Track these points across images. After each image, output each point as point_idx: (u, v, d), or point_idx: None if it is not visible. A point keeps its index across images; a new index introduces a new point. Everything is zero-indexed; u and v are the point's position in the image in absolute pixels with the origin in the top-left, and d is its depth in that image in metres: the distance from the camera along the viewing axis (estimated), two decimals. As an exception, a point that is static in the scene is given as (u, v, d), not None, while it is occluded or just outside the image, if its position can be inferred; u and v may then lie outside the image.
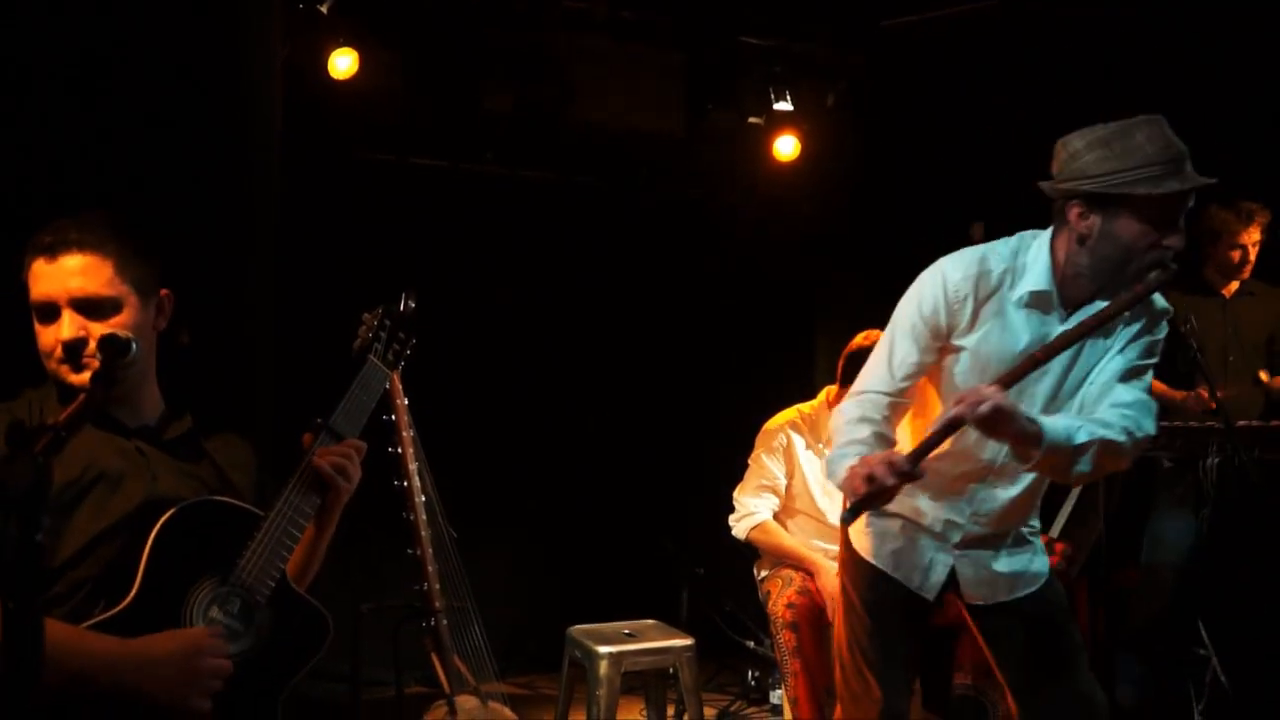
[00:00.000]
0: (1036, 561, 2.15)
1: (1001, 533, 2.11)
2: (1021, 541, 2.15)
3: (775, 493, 3.47)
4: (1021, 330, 1.92)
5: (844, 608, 2.26)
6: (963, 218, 4.36)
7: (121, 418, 1.72)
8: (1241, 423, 3.14)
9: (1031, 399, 1.95)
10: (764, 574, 3.48)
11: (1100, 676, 3.42)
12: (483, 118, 4.55)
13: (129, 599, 1.52)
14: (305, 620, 1.70)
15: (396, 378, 2.36)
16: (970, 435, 1.93)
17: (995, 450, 1.98)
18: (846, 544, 2.25)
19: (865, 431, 1.92)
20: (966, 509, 2.07)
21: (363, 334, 1.94)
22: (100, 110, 3.04)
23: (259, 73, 3.46)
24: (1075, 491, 3.55)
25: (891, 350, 2.01)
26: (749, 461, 3.54)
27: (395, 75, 4.36)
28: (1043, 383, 1.94)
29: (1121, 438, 1.80)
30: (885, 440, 1.97)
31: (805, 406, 3.57)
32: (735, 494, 3.52)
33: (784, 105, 4.72)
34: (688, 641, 3.27)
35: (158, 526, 1.56)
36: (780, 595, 3.24)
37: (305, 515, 1.69)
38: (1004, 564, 2.10)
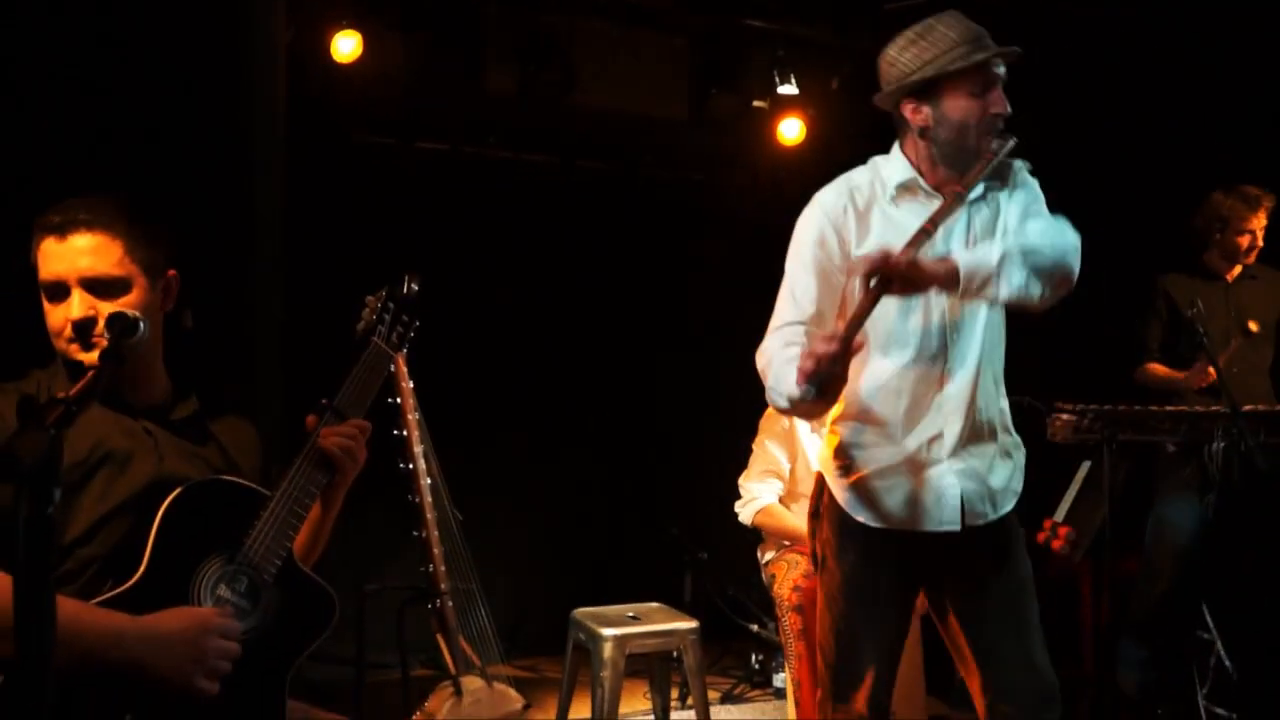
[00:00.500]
0: (1017, 477, 2.15)
1: (985, 433, 2.09)
2: (1009, 454, 2.14)
3: (779, 477, 3.47)
4: (909, 222, 1.98)
5: (827, 590, 2.18)
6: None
7: (129, 398, 1.72)
8: (1248, 407, 3.13)
9: (938, 302, 2.03)
10: (769, 557, 3.48)
11: (1104, 661, 3.45)
12: (486, 101, 4.53)
13: (137, 576, 1.53)
14: (312, 599, 1.70)
15: (402, 361, 2.37)
16: (910, 331, 2.02)
17: (940, 337, 2.03)
18: (835, 517, 2.16)
19: (794, 351, 1.92)
20: (937, 416, 2.06)
21: (366, 316, 1.94)
22: (105, 93, 3.04)
23: (263, 55, 3.45)
24: (1080, 476, 3.55)
25: (792, 284, 2.09)
26: (753, 447, 3.55)
27: (398, 58, 4.34)
28: None
29: (1039, 241, 1.87)
30: None
31: (809, 390, 3.57)
32: (740, 480, 3.53)
33: (788, 89, 4.70)
34: (692, 624, 3.28)
35: (165, 505, 1.57)
36: (786, 578, 3.24)
37: (311, 495, 1.69)
38: (997, 475, 2.10)
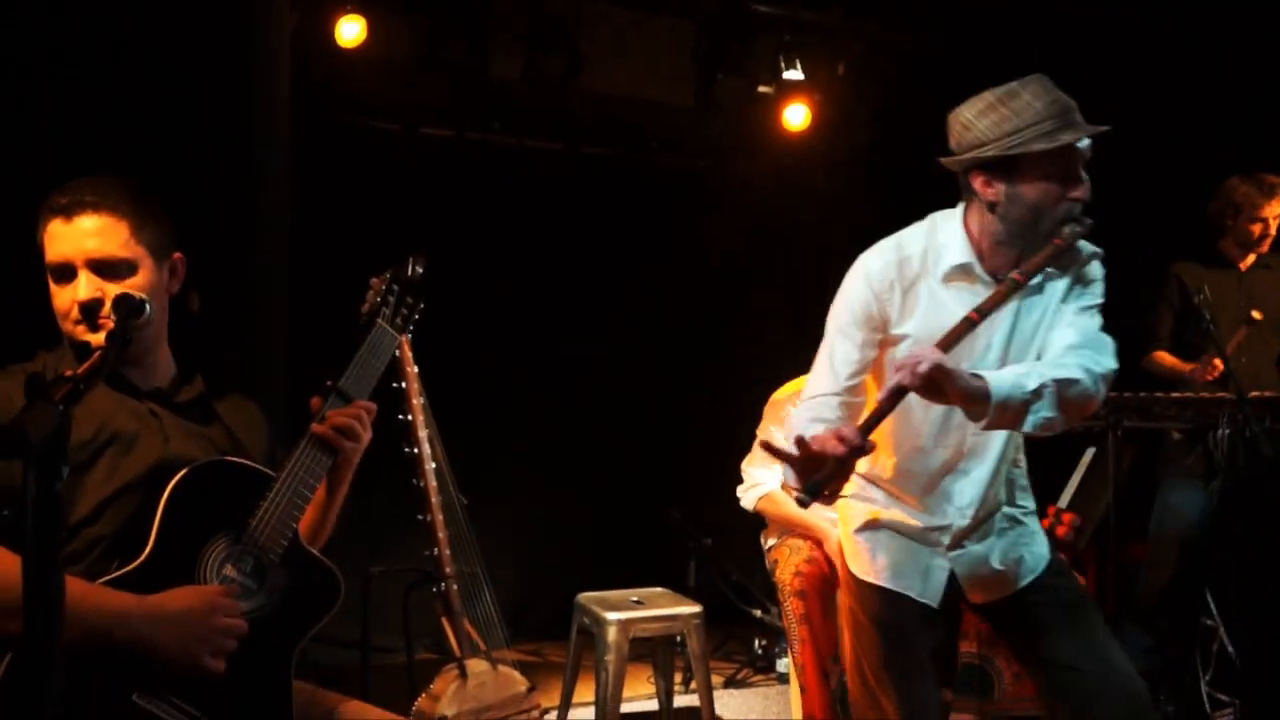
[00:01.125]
0: (1035, 545, 2.06)
1: (991, 522, 2.04)
2: (1013, 523, 2.06)
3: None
4: (954, 306, 1.88)
5: (853, 628, 2.17)
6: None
7: (134, 379, 1.73)
8: (1253, 393, 3.12)
9: (982, 369, 1.92)
10: (771, 543, 3.49)
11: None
12: (491, 87, 4.52)
13: (143, 556, 1.53)
14: (318, 579, 1.71)
15: (407, 346, 2.37)
16: (932, 425, 1.95)
17: (959, 435, 1.96)
18: (849, 550, 2.17)
19: (820, 429, 1.81)
20: (948, 506, 2.01)
21: (370, 298, 1.94)
22: (108, 78, 3.04)
23: (266, 40, 3.44)
24: (1084, 462, 3.55)
25: (831, 352, 1.98)
26: (756, 433, 3.55)
27: (403, 43, 4.33)
28: (988, 357, 1.91)
29: (1078, 374, 1.75)
30: None
31: (813, 377, 3.57)
32: (743, 465, 3.53)
33: (794, 74, 4.68)
34: (696, 609, 3.29)
35: (171, 485, 1.57)
36: (788, 563, 3.25)
37: (316, 475, 1.70)
38: (998, 557, 2.02)
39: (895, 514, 2.05)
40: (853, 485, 2.10)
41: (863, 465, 2.07)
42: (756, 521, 3.61)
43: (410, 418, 2.40)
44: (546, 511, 4.76)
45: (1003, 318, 1.90)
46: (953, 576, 2.03)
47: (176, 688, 1.49)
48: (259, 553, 1.62)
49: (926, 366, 1.64)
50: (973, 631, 3.13)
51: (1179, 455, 3.51)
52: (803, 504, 1.70)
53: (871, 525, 2.08)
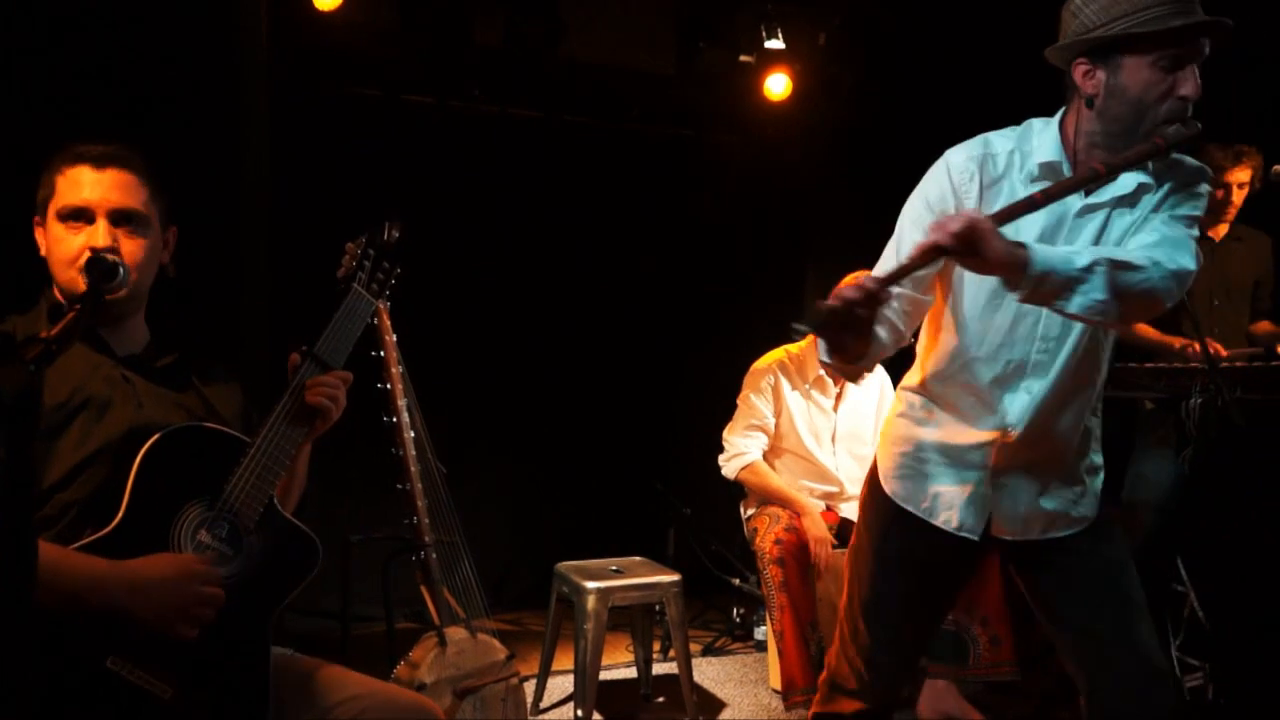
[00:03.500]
0: (1083, 504, 1.93)
1: (1045, 453, 1.90)
2: (1072, 478, 1.93)
3: (764, 432, 3.49)
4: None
5: (853, 554, 2.08)
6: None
7: (112, 343, 1.73)
8: (1225, 364, 3.16)
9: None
10: (751, 511, 3.52)
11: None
12: (472, 53, 4.48)
13: (115, 522, 1.52)
14: (295, 545, 1.71)
15: (385, 314, 2.36)
16: (995, 333, 1.82)
17: (1025, 348, 1.84)
18: (872, 483, 2.06)
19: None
20: (999, 421, 1.87)
21: (346, 263, 1.94)
22: (88, 45, 3.00)
23: (245, 5, 3.40)
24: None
25: (900, 242, 1.86)
26: (738, 402, 3.57)
27: (383, 8, 4.28)
28: None
29: (1142, 262, 1.60)
30: (895, 330, 1.83)
31: (793, 347, 3.59)
32: (725, 434, 3.55)
33: (776, 43, 4.66)
34: (675, 577, 3.31)
35: (144, 450, 1.57)
36: (768, 532, 3.27)
37: (293, 442, 1.70)
38: (1046, 498, 1.91)
39: (941, 431, 1.94)
40: (900, 403, 2.04)
41: (913, 377, 2.01)
42: (735, 491, 3.63)
43: (389, 386, 2.39)
44: (526, 480, 4.77)
45: (1089, 226, 1.78)
46: (990, 511, 1.92)
47: (151, 653, 1.49)
48: (234, 519, 1.62)
49: (959, 223, 1.51)
50: (948, 598, 3.17)
51: (1152, 425, 3.55)
52: (797, 335, 1.56)
53: (914, 446, 1.98)
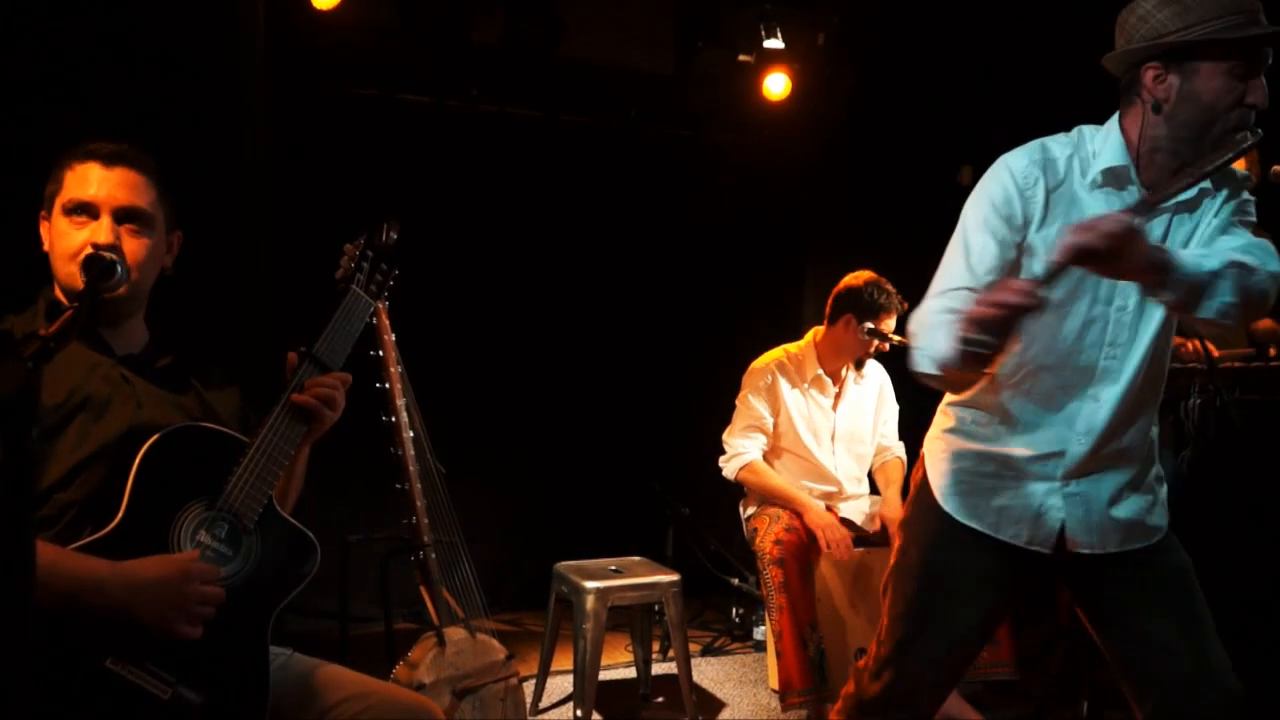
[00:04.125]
0: (1155, 513, 1.92)
1: (1114, 462, 1.88)
2: (1142, 486, 1.91)
3: (763, 432, 3.49)
4: (1101, 213, 1.71)
5: (897, 574, 2.02)
6: (953, 160, 4.34)
7: (111, 343, 1.73)
8: (1224, 364, 3.16)
9: (1125, 291, 1.80)
10: (750, 511, 3.51)
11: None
12: (470, 53, 4.47)
13: (115, 522, 1.52)
14: (294, 545, 1.71)
15: (384, 314, 2.36)
16: (1064, 339, 1.81)
17: (1094, 354, 1.83)
18: (923, 501, 2.01)
19: (954, 318, 1.62)
20: (1067, 431, 1.86)
21: (345, 264, 1.94)
22: (84, 43, 2.99)
23: (243, 4, 3.39)
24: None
25: (967, 248, 1.82)
26: (736, 402, 3.56)
27: (382, 7, 4.28)
28: None
29: (1256, 264, 1.62)
30: None
31: (792, 347, 3.58)
32: (724, 436, 3.55)
33: (775, 43, 4.66)
34: (674, 577, 3.31)
35: (143, 450, 1.56)
36: (768, 532, 3.27)
37: (292, 443, 1.70)
38: (1116, 499, 1.88)
39: (1005, 444, 1.90)
40: (946, 419, 2.01)
41: (963, 395, 1.96)
42: (734, 491, 3.63)
43: (388, 386, 2.39)
44: (525, 480, 4.77)
45: (1154, 231, 1.78)
46: (1063, 526, 1.88)
47: (151, 654, 1.49)
48: (233, 519, 1.62)
49: (1113, 225, 1.49)
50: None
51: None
52: (965, 348, 1.52)
53: (972, 460, 1.92)
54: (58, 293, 1.72)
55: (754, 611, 4.26)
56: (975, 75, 4.41)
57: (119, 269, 1.56)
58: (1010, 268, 1.81)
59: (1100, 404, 1.84)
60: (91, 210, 1.68)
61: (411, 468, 2.44)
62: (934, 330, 1.70)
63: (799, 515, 3.33)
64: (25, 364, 1.02)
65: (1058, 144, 1.85)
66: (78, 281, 1.62)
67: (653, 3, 4.85)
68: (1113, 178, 1.79)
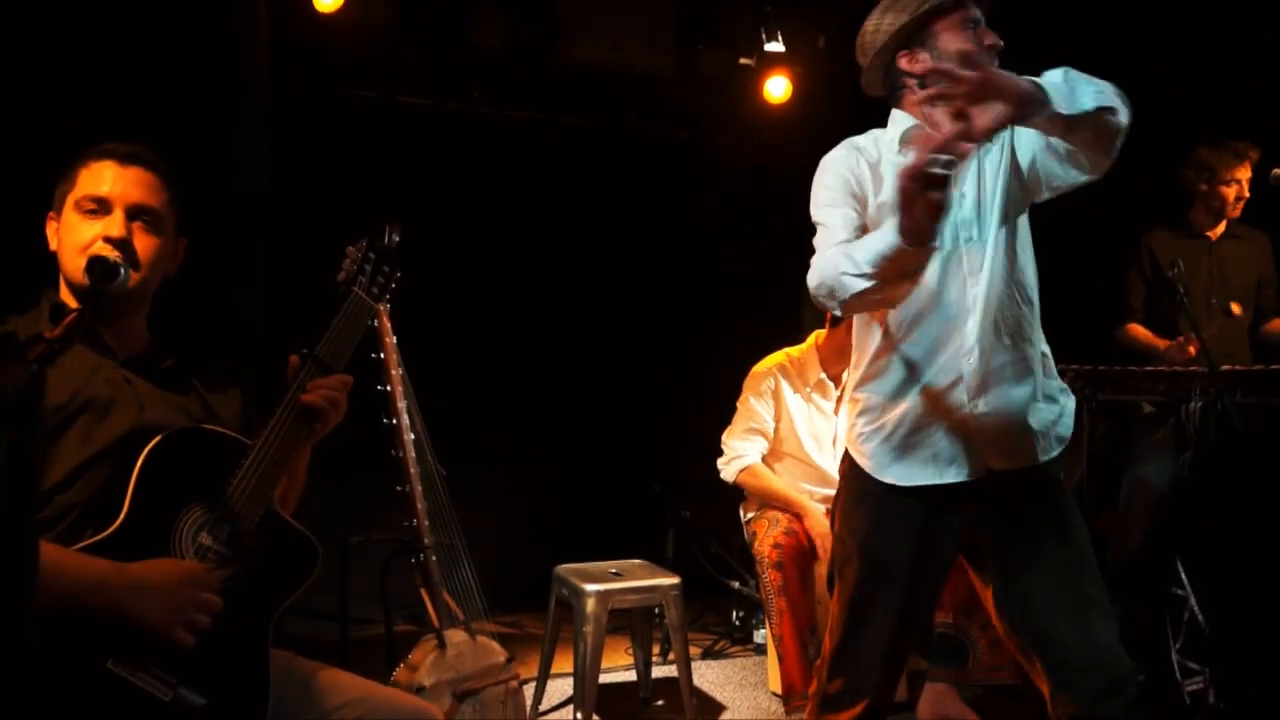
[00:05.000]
0: (1062, 423, 2.01)
1: (1010, 374, 1.95)
2: (1048, 397, 2.00)
3: (763, 435, 3.49)
4: None
5: (839, 565, 2.08)
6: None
7: (113, 345, 1.73)
8: (1225, 367, 3.16)
9: (963, 222, 1.96)
10: (750, 515, 3.51)
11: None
12: (471, 55, 4.48)
13: (117, 524, 1.52)
14: (295, 547, 1.71)
15: (385, 316, 2.36)
16: (929, 296, 1.93)
17: (958, 292, 1.95)
18: (854, 484, 2.08)
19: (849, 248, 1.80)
20: (955, 356, 1.95)
21: (347, 266, 1.94)
22: (86, 42, 3.00)
23: (244, 6, 3.40)
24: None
25: (828, 221, 1.97)
26: (737, 405, 3.56)
27: (382, 9, 4.28)
28: (964, 205, 1.96)
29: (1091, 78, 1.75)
30: None
31: (793, 350, 3.58)
32: (724, 437, 3.54)
33: (775, 46, 4.66)
34: (674, 580, 3.30)
35: (145, 452, 1.56)
36: (767, 535, 3.27)
37: (293, 444, 1.70)
38: (1025, 406, 1.95)
39: (913, 396, 1.98)
40: (855, 403, 2.09)
41: (861, 370, 2.07)
42: (735, 494, 3.63)
43: (389, 388, 2.39)
44: (526, 483, 4.76)
45: (966, 174, 1.97)
46: (976, 446, 1.95)
47: (152, 655, 1.49)
48: (235, 521, 1.61)
49: (976, 72, 1.60)
50: (949, 602, 3.17)
51: (1151, 428, 3.55)
52: (937, 167, 1.56)
53: (893, 425, 2.00)
54: (63, 293, 1.72)
55: (754, 614, 4.25)
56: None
57: (122, 271, 1.56)
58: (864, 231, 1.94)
59: (972, 316, 1.95)
60: (105, 205, 1.70)
61: (412, 470, 2.44)
62: (837, 261, 1.79)
63: (799, 518, 3.32)
64: (30, 366, 1.02)
65: (861, 138, 2.07)
66: (80, 277, 1.63)
67: (653, 5, 4.85)
68: (912, 138, 1.97)
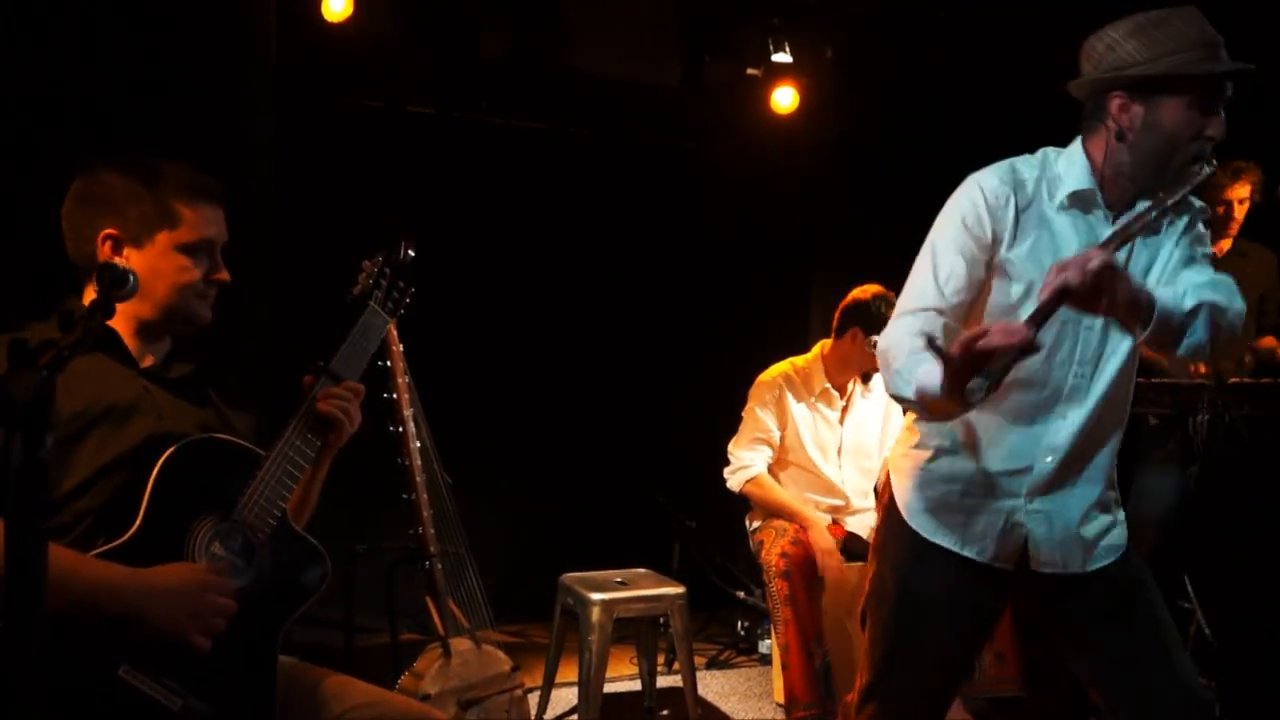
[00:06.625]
0: (1116, 531, 1.93)
1: (1079, 482, 1.89)
2: (1104, 507, 1.92)
3: (769, 445, 3.49)
4: (1070, 236, 1.80)
5: (874, 600, 2.01)
6: (961, 176, 4.34)
7: (136, 355, 1.73)
8: (1232, 380, 3.16)
9: (1091, 316, 1.81)
10: (756, 525, 3.51)
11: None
12: (477, 65, 4.49)
13: (131, 532, 1.53)
14: (305, 558, 1.72)
15: (393, 326, 2.37)
16: (1037, 358, 1.72)
17: (1063, 372, 1.84)
18: (892, 522, 2.00)
19: (923, 342, 1.60)
20: (1034, 448, 1.87)
21: (363, 280, 1.96)
22: (94, 54, 3.01)
23: (252, 14, 3.42)
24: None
25: (935, 266, 1.81)
26: (743, 414, 3.56)
27: (390, 19, 4.30)
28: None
29: (1227, 308, 1.68)
30: None
31: (799, 360, 3.58)
32: (730, 447, 3.54)
33: (783, 57, 4.67)
34: (679, 590, 3.30)
35: (161, 461, 1.57)
36: (774, 545, 3.27)
37: (306, 455, 1.71)
38: (1084, 516, 1.88)
39: (972, 461, 1.90)
40: (912, 435, 2.01)
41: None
42: (741, 504, 3.63)
43: (395, 396, 2.40)
44: (531, 491, 4.76)
45: (1118, 255, 1.78)
46: (1025, 543, 1.88)
47: (164, 663, 1.49)
48: (247, 531, 1.62)
49: (1097, 264, 1.52)
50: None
51: (1157, 441, 3.55)
52: (980, 395, 1.53)
53: (939, 477, 1.92)
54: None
55: (759, 624, 4.24)
56: (983, 91, 4.42)
57: (131, 278, 1.57)
58: (978, 286, 1.83)
59: (1067, 421, 1.86)
60: (209, 248, 1.75)
61: (418, 478, 2.45)
62: (911, 358, 1.67)
63: (804, 530, 3.32)
64: (40, 372, 1.03)
65: (1026, 165, 1.88)
66: (204, 312, 1.74)
67: (660, 15, 4.86)
68: (1079, 200, 1.83)
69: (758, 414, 3.49)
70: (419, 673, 2.35)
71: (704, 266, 5.14)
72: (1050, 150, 1.90)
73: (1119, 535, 1.94)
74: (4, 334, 1.68)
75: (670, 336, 5.04)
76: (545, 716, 3.41)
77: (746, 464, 3.47)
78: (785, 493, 3.45)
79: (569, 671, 3.51)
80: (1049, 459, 1.86)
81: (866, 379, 3.55)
